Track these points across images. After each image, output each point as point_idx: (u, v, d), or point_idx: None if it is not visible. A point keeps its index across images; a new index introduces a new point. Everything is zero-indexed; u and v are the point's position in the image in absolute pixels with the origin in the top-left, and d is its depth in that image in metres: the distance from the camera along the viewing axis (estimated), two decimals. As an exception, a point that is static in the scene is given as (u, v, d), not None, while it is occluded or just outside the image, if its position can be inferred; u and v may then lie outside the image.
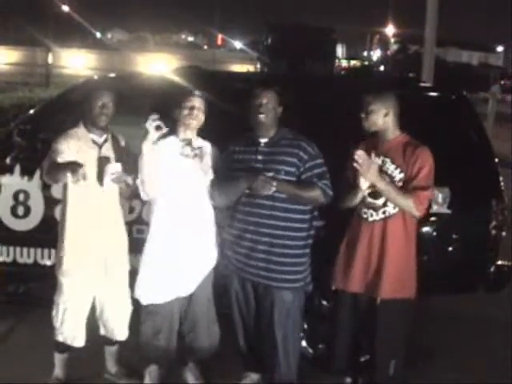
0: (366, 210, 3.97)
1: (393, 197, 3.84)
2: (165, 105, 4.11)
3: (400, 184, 3.89)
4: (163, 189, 4.04)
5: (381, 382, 4.08)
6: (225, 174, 4.08)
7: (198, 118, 4.08)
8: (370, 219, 3.96)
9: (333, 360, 4.23)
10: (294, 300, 4.06)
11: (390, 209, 3.91)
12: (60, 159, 3.98)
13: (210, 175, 4.12)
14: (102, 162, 4.04)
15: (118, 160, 4.09)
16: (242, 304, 4.20)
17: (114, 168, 3.98)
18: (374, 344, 4.04)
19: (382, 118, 3.95)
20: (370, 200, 3.95)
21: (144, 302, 4.13)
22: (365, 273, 3.98)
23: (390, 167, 3.92)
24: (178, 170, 4.05)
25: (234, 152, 4.13)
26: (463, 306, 5.47)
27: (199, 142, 4.16)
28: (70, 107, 4.84)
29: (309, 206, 4.02)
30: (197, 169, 4.05)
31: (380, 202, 3.92)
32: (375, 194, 3.92)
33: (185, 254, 4.09)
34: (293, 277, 4.01)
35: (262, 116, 3.98)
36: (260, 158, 4.01)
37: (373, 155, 3.83)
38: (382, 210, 3.92)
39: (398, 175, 3.90)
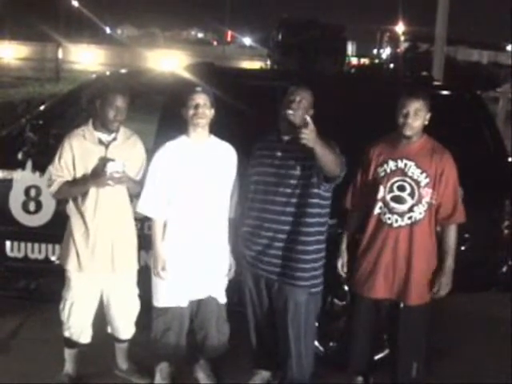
0: (390, 216, 3.88)
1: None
2: (177, 102, 4.07)
3: (427, 189, 3.80)
4: (177, 192, 3.98)
5: None
6: (249, 175, 4.03)
7: (205, 116, 3.92)
8: (395, 225, 3.86)
9: (351, 362, 4.21)
10: (309, 301, 3.97)
11: (417, 214, 3.83)
12: (64, 165, 3.98)
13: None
14: (105, 161, 3.95)
15: (126, 160, 3.99)
16: (256, 301, 4.16)
17: (115, 167, 3.87)
18: (397, 347, 4.01)
19: (424, 121, 3.84)
20: (393, 205, 3.86)
21: (158, 305, 4.11)
22: (390, 279, 3.92)
23: (416, 171, 3.82)
24: (192, 171, 3.97)
25: (257, 154, 4.03)
26: (463, 306, 5.42)
27: (214, 141, 4.08)
28: (82, 103, 4.84)
29: (336, 175, 3.74)
30: (213, 170, 4.00)
31: (405, 207, 3.84)
32: (399, 198, 3.85)
33: (199, 260, 4.03)
34: (306, 274, 3.92)
35: (290, 112, 3.78)
36: (279, 154, 3.90)
37: None
38: (407, 216, 3.84)
39: (424, 180, 3.82)
